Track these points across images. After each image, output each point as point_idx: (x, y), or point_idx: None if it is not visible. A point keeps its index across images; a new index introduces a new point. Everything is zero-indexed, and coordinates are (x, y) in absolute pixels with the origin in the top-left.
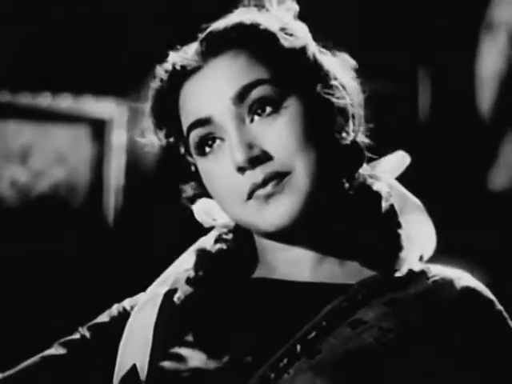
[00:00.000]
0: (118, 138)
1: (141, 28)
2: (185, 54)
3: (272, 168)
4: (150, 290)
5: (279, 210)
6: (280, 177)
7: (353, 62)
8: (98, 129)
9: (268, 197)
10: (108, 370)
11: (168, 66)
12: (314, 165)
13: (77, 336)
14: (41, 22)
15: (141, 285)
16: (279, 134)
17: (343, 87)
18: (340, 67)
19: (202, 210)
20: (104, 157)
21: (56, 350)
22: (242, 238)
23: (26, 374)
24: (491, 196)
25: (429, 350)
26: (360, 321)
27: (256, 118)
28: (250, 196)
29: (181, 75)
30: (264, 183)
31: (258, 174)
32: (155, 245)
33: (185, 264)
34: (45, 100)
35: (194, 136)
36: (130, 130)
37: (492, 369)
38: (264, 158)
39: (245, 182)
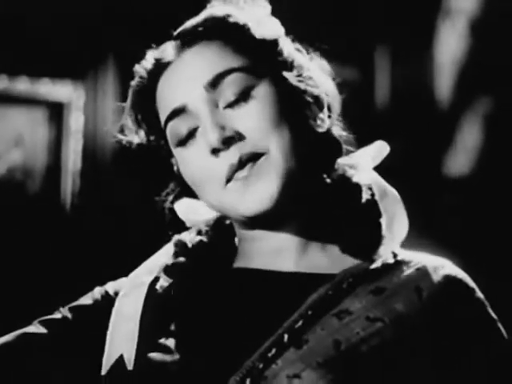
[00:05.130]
0: (75, 122)
1: (96, 12)
2: (161, 50)
3: (246, 148)
4: (133, 277)
5: (259, 192)
6: (256, 158)
7: (328, 67)
8: (56, 112)
9: (247, 179)
10: (88, 353)
11: (145, 62)
12: (289, 146)
13: (58, 316)
14: None
15: (97, 268)
16: (251, 116)
17: (317, 79)
18: (314, 63)
19: (185, 208)
20: (61, 140)
21: (36, 328)
22: (221, 230)
23: (3, 350)
24: (448, 181)
25: (415, 337)
26: (347, 311)
27: (229, 103)
28: (229, 179)
29: (157, 69)
30: (241, 164)
31: (233, 155)
32: (113, 228)
33: (169, 253)
34: (1, 83)
35: (172, 127)
36: (88, 113)
37: (473, 355)
38: (237, 137)
39: (222, 164)
